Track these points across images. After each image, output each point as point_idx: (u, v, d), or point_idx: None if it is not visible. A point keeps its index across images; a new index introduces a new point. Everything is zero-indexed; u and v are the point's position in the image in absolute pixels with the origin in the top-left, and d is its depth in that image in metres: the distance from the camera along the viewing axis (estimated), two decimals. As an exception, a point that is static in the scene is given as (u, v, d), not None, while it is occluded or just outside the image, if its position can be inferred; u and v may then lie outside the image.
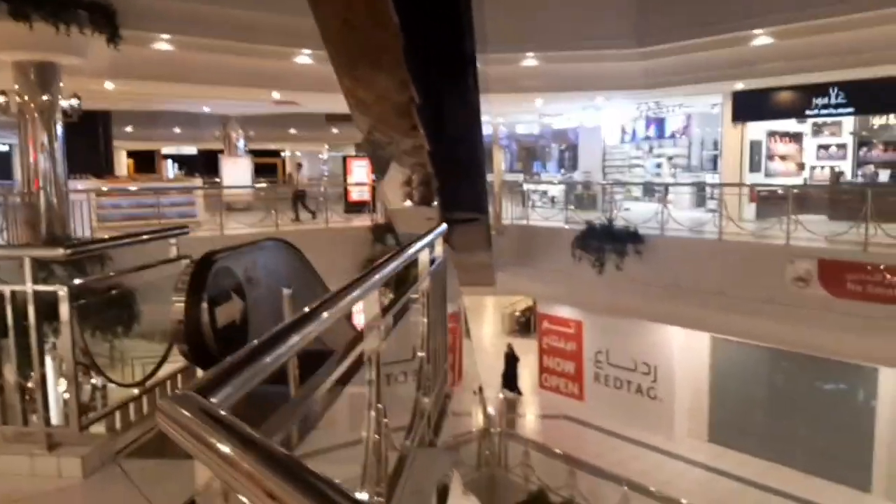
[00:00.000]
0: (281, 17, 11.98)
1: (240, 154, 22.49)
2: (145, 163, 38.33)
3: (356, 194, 19.13)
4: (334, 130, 34.63)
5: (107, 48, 10.64)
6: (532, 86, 15.16)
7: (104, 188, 13.58)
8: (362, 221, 16.14)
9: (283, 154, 43.62)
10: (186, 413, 1.02)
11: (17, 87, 10.43)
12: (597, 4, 13.42)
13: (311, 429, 2.63)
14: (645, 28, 13.32)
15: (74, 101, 10.67)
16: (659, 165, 20.95)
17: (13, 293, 2.92)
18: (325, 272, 13.64)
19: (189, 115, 27.17)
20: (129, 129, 28.00)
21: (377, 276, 2.23)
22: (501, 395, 15.03)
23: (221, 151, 31.82)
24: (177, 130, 31.56)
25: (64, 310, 2.84)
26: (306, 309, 1.68)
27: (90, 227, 12.83)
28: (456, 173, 13.85)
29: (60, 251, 2.92)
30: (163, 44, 11.61)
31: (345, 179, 19.66)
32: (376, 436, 2.11)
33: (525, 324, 23.94)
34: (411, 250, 3.07)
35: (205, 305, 3.54)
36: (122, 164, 33.87)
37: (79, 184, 13.44)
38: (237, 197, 19.34)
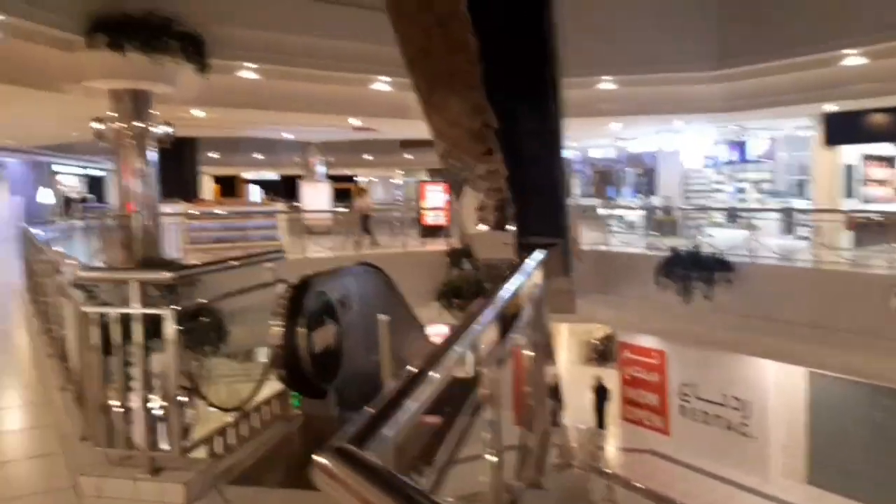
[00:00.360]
0: (360, 44, 12.21)
1: (319, 179, 22.98)
2: (227, 187, 39.87)
3: (431, 219, 19.19)
4: (408, 156, 35.11)
5: (196, 77, 11.06)
6: (608, 109, 14.89)
7: (193, 212, 14.07)
8: (438, 246, 16.12)
9: (357, 179, 44.48)
10: (349, 469, 0.90)
11: (112, 114, 10.95)
12: (675, 26, 13.08)
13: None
14: (726, 49, 12.87)
15: (167, 128, 11.11)
16: (741, 190, 20.19)
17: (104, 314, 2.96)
18: (409, 295, 13.65)
19: (269, 142, 28.11)
20: (213, 154, 29.12)
21: (495, 307, 2.10)
22: (583, 427, 14.54)
23: (301, 177, 32.85)
24: (258, 156, 32.63)
25: (170, 332, 2.84)
26: (435, 342, 1.57)
27: (180, 249, 13.31)
28: (534, 197, 13.64)
29: (167, 275, 2.93)
30: (248, 72, 11.98)
31: (419, 204, 19.75)
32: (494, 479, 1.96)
33: (603, 352, 23.29)
34: (518, 280, 2.94)
35: (303, 330, 3.50)
36: (208, 188, 35.29)
37: (169, 207, 13.96)
38: (317, 221, 19.71)
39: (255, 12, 11.17)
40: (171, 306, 2.88)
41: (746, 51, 12.38)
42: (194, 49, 10.54)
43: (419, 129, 17.84)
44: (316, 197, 20.73)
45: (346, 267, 4.44)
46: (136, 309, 2.77)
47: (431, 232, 18.42)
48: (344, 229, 20.17)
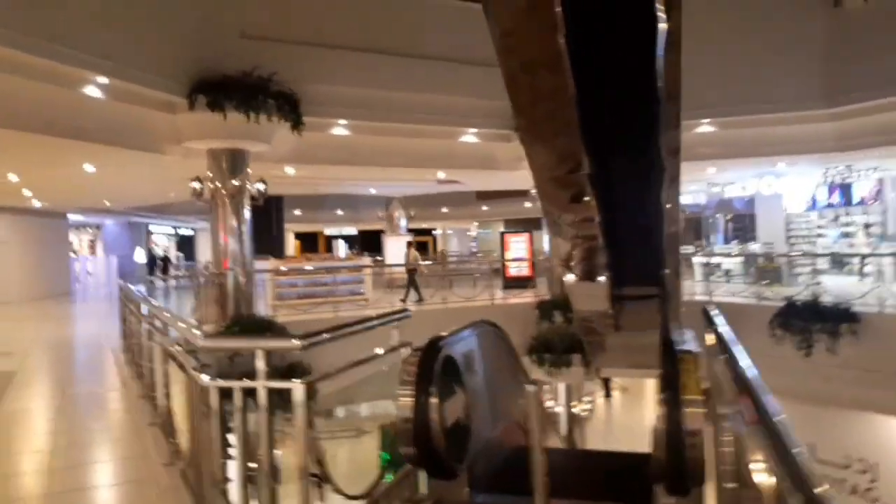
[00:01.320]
0: (449, 97, 12.16)
1: (401, 233, 23.03)
2: (309, 243, 40.86)
3: (514, 270, 18.78)
4: (484, 207, 35.09)
5: (290, 135, 11.19)
6: (706, 153, 14.21)
7: (283, 268, 14.17)
8: (524, 298, 15.63)
9: (434, 232, 44.66)
10: None
11: (209, 174, 11.16)
12: (778, 63, 12.41)
13: None
14: (835, 87, 12.08)
15: (261, 186, 11.22)
16: (847, 235, 18.87)
17: (220, 387, 2.66)
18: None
19: (351, 198, 28.69)
20: (297, 212, 29.83)
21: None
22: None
23: (381, 231, 33.23)
24: (339, 212, 33.28)
25: (300, 412, 2.49)
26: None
27: (268, 306, 13.36)
28: (631, 245, 12.97)
29: (297, 343, 2.59)
30: (340, 129, 12.07)
31: (502, 255, 19.37)
32: None
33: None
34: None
35: (434, 401, 3.10)
36: (290, 244, 36.18)
37: (259, 264, 14.09)
38: (400, 274, 19.63)
39: (347, 70, 11.28)
40: (303, 379, 2.55)
41: (859, 87, 11.59)
42: (290, 107, 10.69)
43: (500, 179, 17.93)
44: (399, 250, 20.67)
45: (469, 325, 4.04)
46: (263, 382, 2.44)
47: (515, 283, 17.98)
48: (423, 282, 20.08)
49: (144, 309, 5.56)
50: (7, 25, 6.91)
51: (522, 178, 15.71)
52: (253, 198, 11.35)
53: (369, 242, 32.93)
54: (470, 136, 13.21)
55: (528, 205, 32.87)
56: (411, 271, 16.47)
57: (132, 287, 7.55)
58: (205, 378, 2.57)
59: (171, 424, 3.95)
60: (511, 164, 14.37)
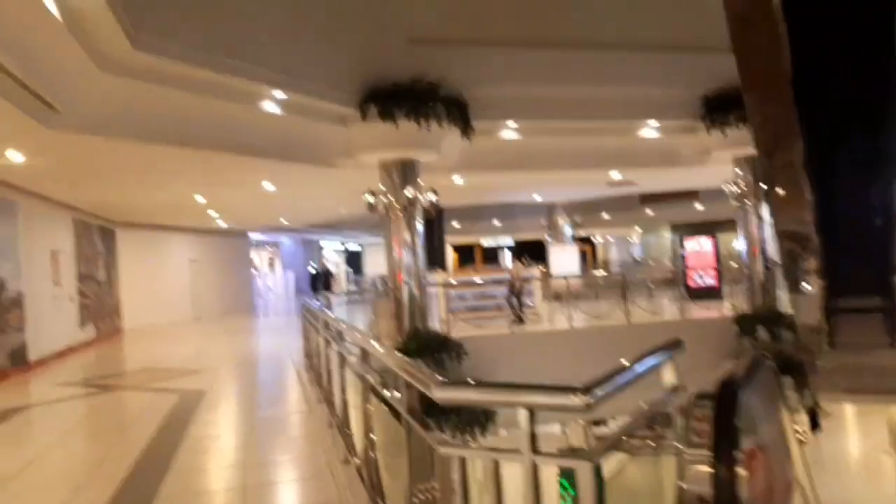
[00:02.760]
0: (626, 89, 11.12)
1: (566, 241, 22.02)
2: (465, 255, 40.86)
3: (698, 279, 17.09)
4: (648, 212, 33.01)
5: (458, 141, 10.71)
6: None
7: (453, 280, 13.78)
8: (714, 311, 14.04)
9: (594, 240, 42.98)
10: None
11: (382, 186, 10.95)
12: None
13: None
14: None
15: (432, 196, 10.82)
16: None
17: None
18: (688, 371, 11.71)
19: (508, 208, 28.08)
20: (455, 224, 29.74)
21: None
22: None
23: (538, 241, 32.29)
24: (495, 223, 32.84)
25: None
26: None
27: (441, 320, 12.97)
28: (851, 245, 11.08)
29: (578, 400, 1.75)
30: (509, 132, 11.42)
31: (683, 263, 17.73)
32: None
33: (923, 436, 18.80)
34: None
35: (740, 470, 2.19)
36: (449, 257, 36.39)
37: (433, 277, 13.79)
38: (564, 287, 18.67)
39: (516, 68, 10.61)
40: (586, 452, 1.76)
41: None
42: (458, 112, 10.23)
43: (681, 177, 16.39)
44: (564, 259, 19.72)
45: (754, 359, 3.08)
46: (530, 455, 1.68)
47: (700, 294, 16.31)
48: (593, 293, 18.88)
49: (343, 338, 5.12)
50: (192, 45, 6.94)
51: (707, 173, 14.25)
52: (426, 210, 10.99)
53: (529, 253, 32.19)
54: (650, 130, 12.02)
55: (698, 206, 30.52)
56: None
57: (314, 303, 7.26)
58: (441, 447, 1.89)
59: (370, 469, 3.36)
60: (695, 159, 12.97)
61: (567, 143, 12.15)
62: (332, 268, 34.24)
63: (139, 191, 12.82)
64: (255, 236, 26.84)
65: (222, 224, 20.90)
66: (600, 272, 26.52)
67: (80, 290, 14.52)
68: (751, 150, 12.29)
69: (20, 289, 10.93)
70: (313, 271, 27.27)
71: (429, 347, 10.32)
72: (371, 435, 3.36)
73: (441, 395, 1.86)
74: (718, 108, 11.57)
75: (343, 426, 4.49)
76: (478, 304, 15.20)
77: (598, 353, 12.37)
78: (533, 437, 1.74)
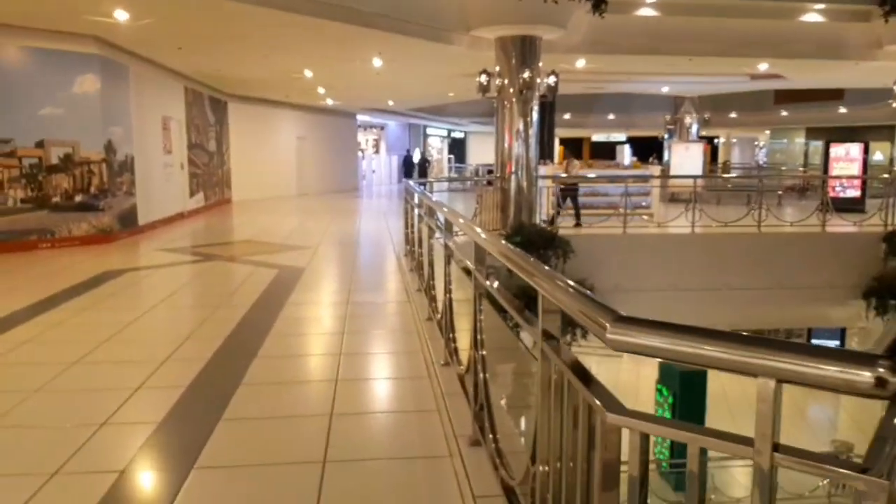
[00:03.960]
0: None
1: (692, 139, 20.25)
2: (573, 149, 38.97)
3: (840, 189, 15.25)
4: (784, 112, 29.92)
5: (587, 17, 9.51)
6: None
7: (563, 174, 12.87)
8: (858, 227, 12.49)
9: (716, 141, 39.92)
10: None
11: (497, 67, 10.02)
12: None
13: None
14: None
15: (552, 80, 9.82)
16: None
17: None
18: (820, 287, 10.49)
19: (626, 99, 26.08)
20: (566, 115, 28.15)
21: None
22: None
23: (654, 138, 30.10)
24: (610, 116, 30.90)
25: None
26: None
27: (546, 215, 12.22)
28: None
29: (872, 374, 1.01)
30: (647, 9, 10.04)
31: (825, 170, 15.85)
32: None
33: None
34: None
35: None
36: (556, 150, 34.88)
37: (543, 169, 12.93)
38: (683, 188, 17.26)
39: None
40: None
41: None
42: (591, -19, 8.99)
43: (842, 73, 14.19)
44: (688, 159, 18.09)
45: None
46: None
47: (842, 206, 14.58)
48: (715, 197, 17.39)
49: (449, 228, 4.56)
50: None
51: (874, 70, 12.23)
52: (542, 96, 10.03)
53: (642, 150, 30.12)
54: (814, 15, 10.26)
55: (842, 110, 27.29)
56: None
57: (426, 195, 6.63)
58: (609, 414, 1.27)
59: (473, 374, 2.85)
60: (863, 52, 11.12)
61: (712, 24, 10.60)
62: (434, 153, 33.61)
63: (249, 61, 12.48)
64: (361, 117, 26.50)
65: (330, 102, 20.60)
66: (730, 174, 24.52)
67: (191, 158, 14.71)
68: (938, 42, 10.36)
69: (131, 153, 11.04)
70: (408, 157, 25.59)
71: (534, 243, 9.71)
72: (481, 351, 2.81)
73: (621, 337, 1.23)
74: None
75: (446, 328, 3.99)
76: (588, 202, 14.28)
77: (723, 262, 11.41)
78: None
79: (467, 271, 3.23)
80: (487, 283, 2.68)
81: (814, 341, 18.49)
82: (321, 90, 17.41)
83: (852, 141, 16.27)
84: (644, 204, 14.02)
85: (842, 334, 18.29)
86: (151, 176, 12.13)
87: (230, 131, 18.06)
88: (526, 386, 2.33)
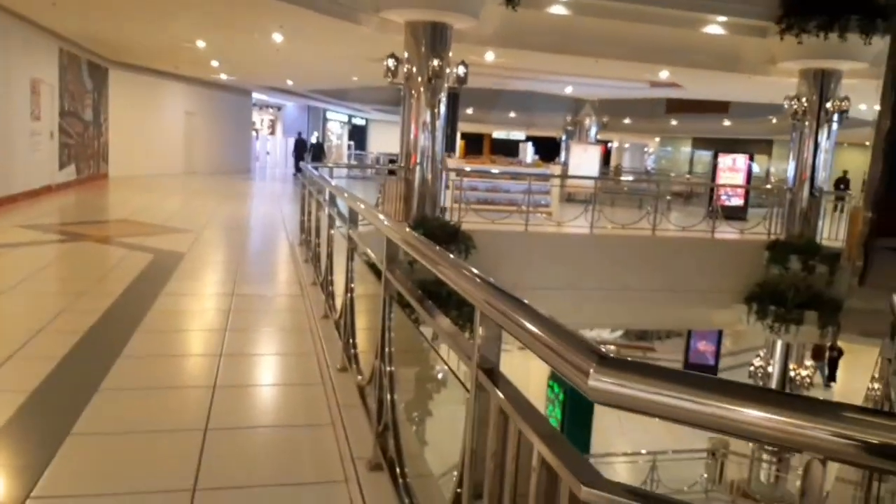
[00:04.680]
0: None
1: (591, 141, 20.67)
2: (474, 145, 39.11)
3: (725, 198, 15.97)
4: (673, 122, 31.35)
5: (498, 10, 9.31)
6: None
7: (467, 168, 12.65)
8: (745, 234, 13.08)
9: (610, 145, 41.34)
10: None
11: (406, 53, 9.60)
12: None
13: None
14: None
15: (462, 70, 9.51)
16: None
17: None
18: (706, 291, 10.84)
19: (528, 98, 26.33)
20: (469, 110, 28.11)
21: None
22: None
23: (553, 138, 30.69)
24: (511, 115, 31.22)
25: None
26: None
27: (448, 209, 11.94)
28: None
29: None
30: (558, 7, 9.94)
31: (713, 179, 16.55)
32: None
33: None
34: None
35: None
36: (457, 145, 34.80)
37: (448, 162, 12.63)
38: (579, 189, 17.56)
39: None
40: None
41: None
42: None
43: (735, 85, 14.78)
44: (585, 160, 18.43)
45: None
46: None
47: (728, 214, 15.28)
48: (609, 199, 17.81)
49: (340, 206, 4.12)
50: None
51: (765, 85, 12.79)
52: (452, 87, 9.71)
53: (541, 150, 30.61)
54: (716, 27, 10.55)
55: (727, 122, 28.90)
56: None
57: (326, 179, 6.13)
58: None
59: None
60: (758, 67, 11.57)
61: (620, 28, 10.66)
62: (333, 139, 32.61)
63: (132, 25, 11.37)
64: (257, 96, 25.26)
65: (224, 77, 19.41)
66: (627, 177, 25.28)
67: (63, 127, 13.30)
68: (824, 64, 10.92)
69: (-10, 116, 9.76)
70: (300, 140, 23.36)
71: (436, 237, 9.40)
72: (389, 366, 2.42)
73: (612, 388, 0.88)
74: (798, 11, 10.07)
75: (345, 329, 3.56)
76: (489, 197, 14.17)
77: (619, 263, 11.57)
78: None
79: (372, 266, 2.84)
80: (399, 284, 2.29)
81: (694, 341, 19.47)
82: (215, 63, 16.30)
83: (734, 152, 17.14)
84: (544, 203, 14.08)
85: (719, 336, 19.35)
86: (14, 143, 10.81)
87: (110, 100, 16.55)
88: (447, 408, 1.97)
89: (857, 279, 11.28)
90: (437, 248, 1.92)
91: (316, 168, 8.62)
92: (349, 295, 3.53)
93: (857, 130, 16.79)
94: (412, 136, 9.81)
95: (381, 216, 2.80)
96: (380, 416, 2.49)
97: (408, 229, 2.29)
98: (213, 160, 21.16)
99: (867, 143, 20.85)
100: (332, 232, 4.66)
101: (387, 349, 2.41)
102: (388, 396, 2.38)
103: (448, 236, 9.44)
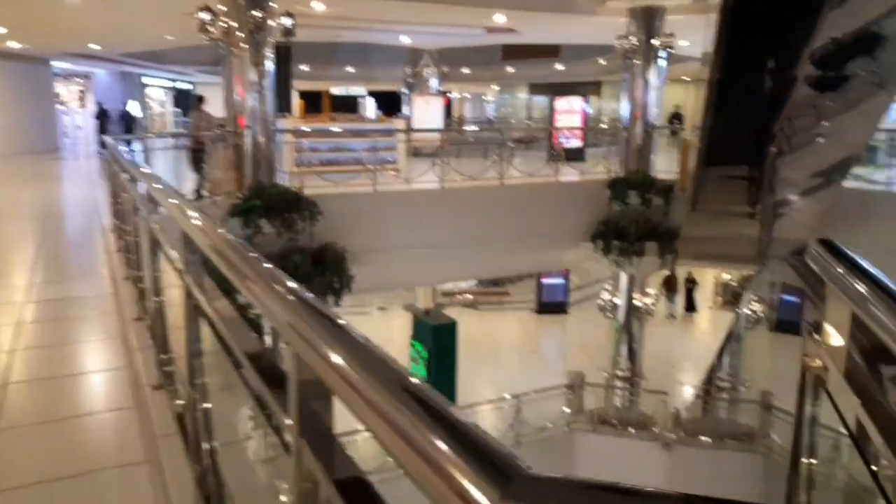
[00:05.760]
0: None
1: (432, 92, 20.31)
2: (312, 103, 37.46)
3: (564, 140, 16.35)
4: (509, 69, 31.76)
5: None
6: None
7: (306, 128, 11.83)
8: (582, 174, 13.43)
9: (450, 94, 41.38)
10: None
11: (222, 7, 8.61)
12: None
13: None
14: None
15: (288, 21, 8.68)
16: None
17: None
18: (554, 233, 11.02)
19: (364, 52, 25.44)
20: (304, 67, 26.74)
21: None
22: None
23: (395, 92, 30.04)
24: (349, 69, 30.16)
25: None
26: None
27: (289, 173, 11.13)
28: (738, 110, 10.60)
29: None
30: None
31: (551, 123, 16.85)
32: None
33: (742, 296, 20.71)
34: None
35: None
36: (295, 104, 33.16)
37: (282, 123, 11.73)
38: (426, 143, 17.25)
39: None
40: None
41: None
42: None
43: (571, 28, 14.93)
44: (428, 112, 18.10)
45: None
46: None
47: (567, 156, 15.65)
48: (456, 150, 17.70)
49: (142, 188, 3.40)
50: None
51: (597, 25, 12.95)
52: (278, 42, 8.88)
53: (383, 105, 29.93)
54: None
55: (559, 66, 29.70)
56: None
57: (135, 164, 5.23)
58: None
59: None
60: (589, 7, 11.66)
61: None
62: (155, 107, 29.92)
63: None
64: (59, 64, 22.36)
65: (15, 45, 16.87)
66: (471, 127, 25.31)
67: None
68: (649, 1, 11.19)
69: None
70: (102, 109, 21.05)
71: (277, 206, 8.71)
72: (204, 403, 1.88)
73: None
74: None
75: (157, 338, 2.93)
76: (333, 158, 13.47)
77: (471, 216, 11.41)
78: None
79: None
80: (201, 294, 1.74)
81: (543, 280, 20.18)
82: (2, 30, 14.09)
83: (567, 95, 17.57)
84: (390, 160, 13.61)
85: (566, 275, 20.19)
86: None
87: None
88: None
89: (689, 207, 11.98)
90: (252, 255, 1.36)
91: (128, 143, 7.58)
92: (160, 298, 2.90)
93: (685, 65, 17.70)
94: (238, 97, 8.91)
95: (183, 204, 2.20)
96: (198, 457, 1.95)
97: (197, 217, 1.73)
98: (11, 139, 18.49)
99: (686, 79, 22.23)
100: (138, 219, 3.91)
101: (196, 379, 1.86)
102: (205, 436, 1.85)
103: (289, 204, 8.75)
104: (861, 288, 1.15)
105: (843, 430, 1.31)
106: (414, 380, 0.70)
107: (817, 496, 1.49)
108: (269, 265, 1.20)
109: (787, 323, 17.36)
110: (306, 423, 0.91)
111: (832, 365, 1.27)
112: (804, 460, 1.48)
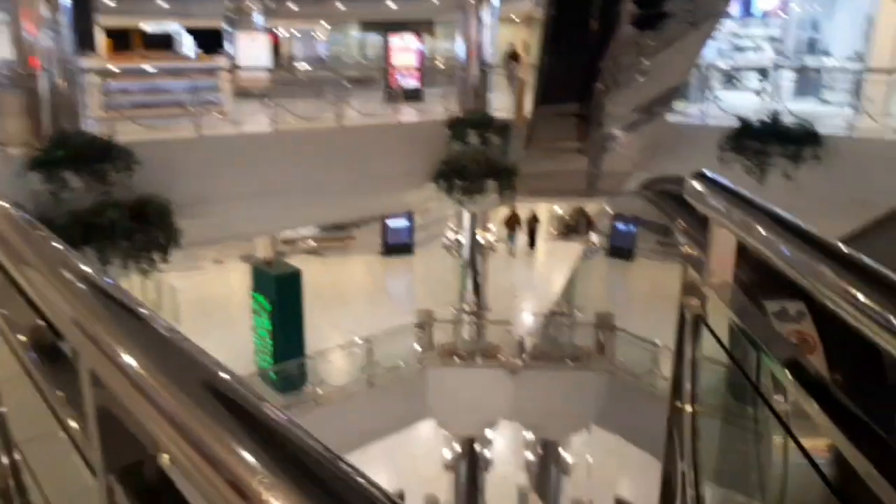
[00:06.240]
0: None
1: (257, 28, 18.99)
2: (120, 42, 33.77)
3: (401, 80, 16.04)
4: (339, 6, 30.58)
5: None
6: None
7: (114, 68, 10.52)
8: (422, 114, 13.30)
9: (277, 32, 39.14)
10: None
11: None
12: None
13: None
14: None
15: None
16: (740, 49, 18.07)
17: None
18: (397, 175, 10.89)
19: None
20: (109, 1, 23.99)
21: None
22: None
23: (215, 30, 27.82)
24: (162, 4, 27.51)
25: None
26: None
27: (96, 119, 9.91)
28: (569, 49, 10.90)
29: None
30: None
31: (387, 62, 16.42)
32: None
33: (574, 227, 22.02)
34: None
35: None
36: (99, 44, 29.67)
37: (85, 62, 10.34)
38: (254, 83, 16.18)
39: None
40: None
41: None
42: None
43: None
44: (254, 50, 16.93)
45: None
46: None
47: (406, 96, 15.39)
48: (286, 91, 16.81)
49: None
50: None
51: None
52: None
53: (203, 43, 27.52)
54: None
55: (390, 4, 29.05)
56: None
57: None
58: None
59: None
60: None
61: None
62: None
63: None
64: None
65: None
66: (303, 66, 24.07)
67: None
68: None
69: None
70: None
71: (84, 156, 7.75)
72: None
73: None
74: None
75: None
76: (149, 100, 12.20)
77: (308, 159, 10.89)
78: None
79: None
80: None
81: (388, 222, 20.14)
82: None
83: (412, 32, 17.14)
84: (215, 101, 12.58)
85: (410, 215, 20.26)
86: None
87: None
88: None
89: (525, 144, 12.31)
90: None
91: None
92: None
93: (516, 4, 17.90)
94: (27, 34, 7.68)
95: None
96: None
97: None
98: None
99: (515, 19, 22.61)
100: None
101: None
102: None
103: (100, 153, 7.81)
104: (749, 216, 1.09)
105: (725, 363, 1.28)
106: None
107: (698, 434, 1.49)
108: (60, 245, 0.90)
109: (619, 249, 18.82)
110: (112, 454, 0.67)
111: (715, 297, 1.22)
112: (685, 402, 1.46)
